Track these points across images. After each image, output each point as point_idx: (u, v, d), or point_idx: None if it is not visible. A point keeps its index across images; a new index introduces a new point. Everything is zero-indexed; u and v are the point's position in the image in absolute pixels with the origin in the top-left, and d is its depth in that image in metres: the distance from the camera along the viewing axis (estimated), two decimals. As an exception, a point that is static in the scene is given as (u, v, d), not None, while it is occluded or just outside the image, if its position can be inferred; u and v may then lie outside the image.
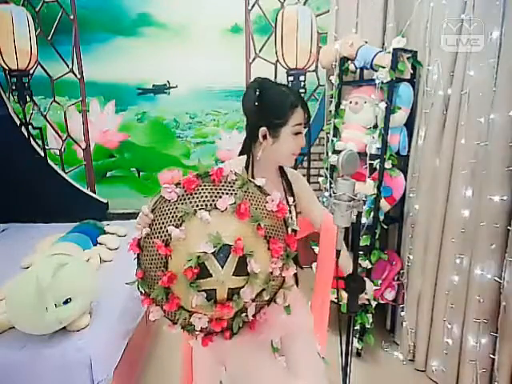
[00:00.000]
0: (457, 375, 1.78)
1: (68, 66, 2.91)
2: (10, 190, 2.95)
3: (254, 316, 1.01)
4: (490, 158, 1.58)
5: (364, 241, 2.02)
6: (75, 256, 1.84)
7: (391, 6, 2.10)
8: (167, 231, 0.89)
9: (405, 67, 1.89)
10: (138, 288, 0.96)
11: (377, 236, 2.02)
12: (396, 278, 2.10)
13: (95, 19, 2.86)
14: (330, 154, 2.26)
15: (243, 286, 0.93)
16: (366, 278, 1.17)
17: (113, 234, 2.48)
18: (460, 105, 1.70)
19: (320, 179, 2.48)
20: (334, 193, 0.98)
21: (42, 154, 3.04)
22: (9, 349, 1.39)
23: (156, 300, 0.94)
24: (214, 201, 0.91)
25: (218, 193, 0.92)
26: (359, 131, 2.07)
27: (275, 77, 2.99)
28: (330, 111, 2.31)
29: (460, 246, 1.74)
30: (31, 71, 2.91)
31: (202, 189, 0.92)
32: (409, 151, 2.06)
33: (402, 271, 2.09)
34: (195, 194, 0.92)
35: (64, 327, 1.44)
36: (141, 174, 3.15)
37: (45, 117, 3.00)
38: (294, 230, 1.04)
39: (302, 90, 2.98)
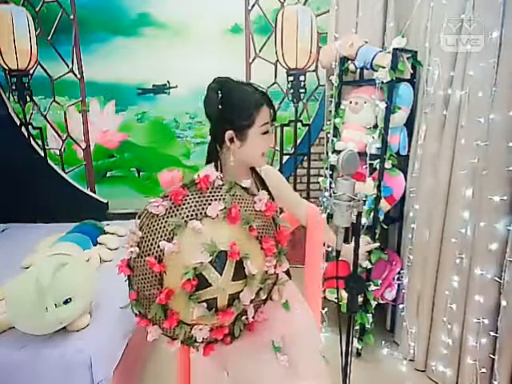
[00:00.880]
0: (457, 375, 1.78)
1: (68, 66, 2.92)
2: (10, 190, 2.95)
3: (252, 317, 1.01)
4: (490, 158, 1.58)
5: (364, 241, 2.01)
6: (75, 256, 1.85)
7: (391, 6, 2.10)
8: (159, 247, 0.86)
9: (405, 67, 1.89)
10: (133, 310, 0.92)
11: (377, 236, 2.02)
12: (396, 278, 2.10)
13: (95, 19, 2.86)
14: (330, 153, 2.25)
15: (242, 290, 0.93)
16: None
17: (113, 234, 2.48)
18: (460, 105, 1.70)
19: (320, 179, 2.48)
20: (334, 193, 0.98)
21: (42, 153, 3.04)
22: (9, 349, 1.39)
23: (154, 319, 0.92)
24: (203, 209, 0.89)
25: (206, 200, 0.91)
26: (359, 131, 2.07)
27: (275, 77, 2.99)
28: (330, 111, 2.31)
29: (460, 246, 1.74)
30: (31, 71, 2.91)
31: (190, 198, 0.90)
32: (409, 151, 2.05)
33: (401, 271, 2.09)
34: (183, 204, 0.89)
35: (64, 327, 1.44)
36: (141, 174, 3.15)
37: (45, 117, 3.00)
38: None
39: (302, 90, 2.98)
